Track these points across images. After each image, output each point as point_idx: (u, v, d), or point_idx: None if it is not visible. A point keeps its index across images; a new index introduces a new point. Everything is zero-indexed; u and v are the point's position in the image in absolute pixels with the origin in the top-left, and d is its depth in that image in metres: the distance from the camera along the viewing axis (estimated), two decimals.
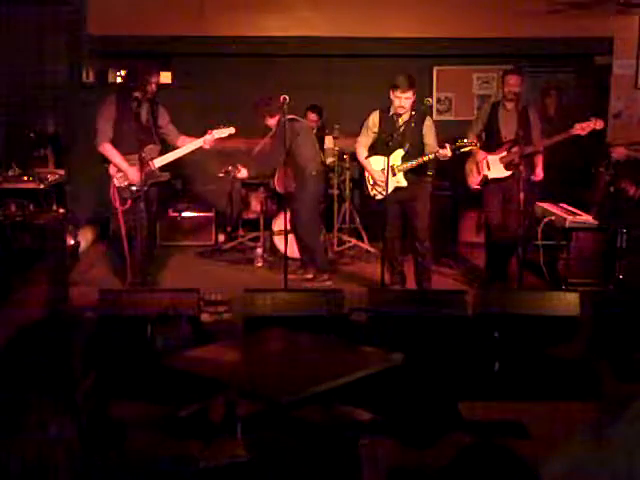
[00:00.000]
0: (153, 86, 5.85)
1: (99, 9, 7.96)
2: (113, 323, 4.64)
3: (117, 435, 2.87)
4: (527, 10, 8.04)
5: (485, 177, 6.33)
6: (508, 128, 6.26)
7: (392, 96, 5.83)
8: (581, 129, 5.89)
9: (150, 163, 5.86)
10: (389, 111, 5.90)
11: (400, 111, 5.83)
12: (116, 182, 5.88)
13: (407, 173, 5.89)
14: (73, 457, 1.83)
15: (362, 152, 6.08)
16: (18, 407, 1.83)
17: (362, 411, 3.81)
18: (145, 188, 5.82)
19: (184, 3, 8.03)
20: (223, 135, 6.01)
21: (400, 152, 5.86)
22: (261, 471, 3.21)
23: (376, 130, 5.96)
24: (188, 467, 3.23)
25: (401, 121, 5.91)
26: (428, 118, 5.96)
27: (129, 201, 5.90)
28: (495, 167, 6.29)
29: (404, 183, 5.89)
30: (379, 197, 5.97)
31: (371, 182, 6.03)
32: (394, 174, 5.87)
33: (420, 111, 6.02)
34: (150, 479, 3.08)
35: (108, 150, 5.87)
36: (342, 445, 3.35)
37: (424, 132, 5.87)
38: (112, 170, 5.88)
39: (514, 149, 6.14)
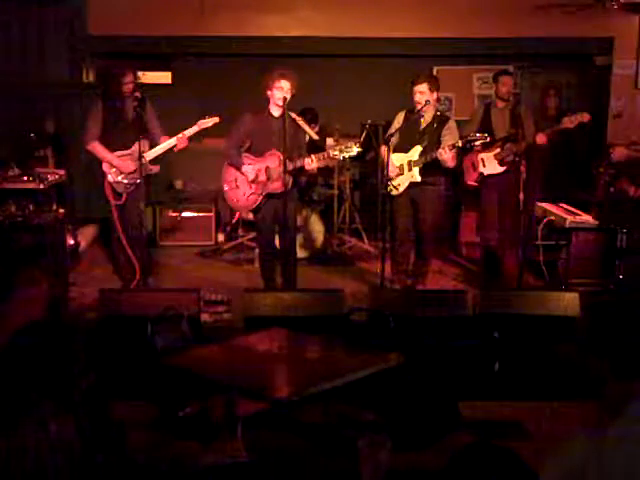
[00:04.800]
0: (130, 86, 5.92)
1: (99, 9, 7.97)
2: (113, 323, 4.64)
3: (117, 435, 2.87)
4: (527, 10, 8.05)
5: (481, 174, 6.41)
6: (500, 126, 6.41)
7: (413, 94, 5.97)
8: (570, 122, 5.98)
9: (144, 158, 5.91)
10: (414, 112, 5.97)
11: (417, 106, 5.89)
12: (110, 178, 5.98)
13: (421, 170, 5.94)
14: (73, 457, 1.83)
15: (384, 149, 6.11)
16: (18, 407, 1.83)
17: (362, 411, 3.81)
18: (139, 181, 5.87)
19: (184, 3, 8.04)
20: (208, 125, 6.05)
21: (418, 148, 5.96)
22: (261, 471, 3.21)
23: (398, 127, 6.01)
24: (188, 467, 3.23)
25: (423, 121, 6.02)
26: (451, 121, 6.07)
27: (124, 196, 5.97)
28: (490, 164, 6.39)
29: (418, 178, 5.95)
30: (394, 193, 6.02)
31: (390, 177, 6.03)
32: (410, 169, 5.97)
33: (444, 114, 6.22)
34: (150, 479, 3.08)
35: (96, 148, 5.99)
36: (342, 445, 3.34)
37: (443, 133, 5.96)
38: (105, 167, 5.97)
39: (507, 146, 6.24)
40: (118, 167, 5.94)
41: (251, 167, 5.81)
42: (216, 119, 6.04)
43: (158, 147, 6.04)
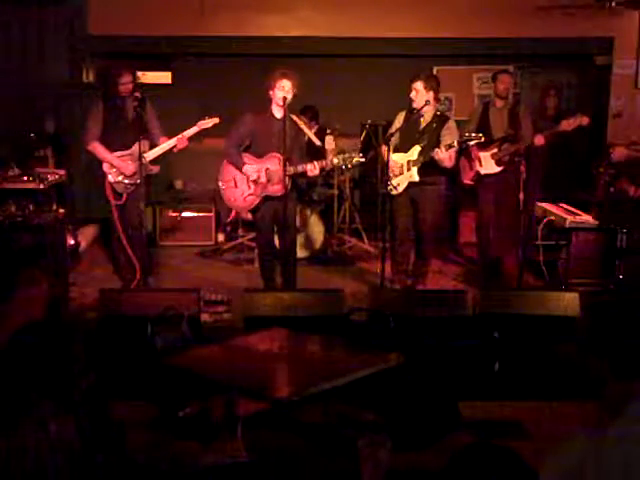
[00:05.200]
0: (128, 86, 5.92)
1: (99, 9, 7.96)
2: (113, 323, 4.64)
3: (117, 435, 2.87)
4: (527, 10, 8.05)
5: (477, 173, 6.44)
6: (498, 125, 6.45)
7: None
8: (567, 125, 6.00)
9: (145, 160, 5.89)
10: (414, 111, 5.97)
11: (412, 104, 5.90)
12: (110, 178, 5.99)
13: (421, 170, 5.94)
14: (73, 457, 1.83)
15: (384, 149, 6.10)
16: (18, 407, 1.83)
17: (362, 411, 3.81)
18: (139, 181, 5.87)
19: (184, 3, 8.03)
20: (207, 126, 6.04)
21: (417, 148, 5.96)
22: (261, 471, 3.21)
23: (398, 126, 6.02)
24: (188, 467, 3.23)
25: (423, 121, 6.02)
26: (451, 121, 6.08)
27: (124, 196, 5.98)
28: (487, 163, 6.44)
29: (417, 178, 5.95)
30: (394, 192, 6.03)
31: (389, 176, 6.04)
32: (409, 169, 5.97)
33: (444, 114, 6.22)
34: (150, 479, 3.08)
35: (96, 148, 6.00)
36: (342, 445, 3.35)
37: (443, 133, 5.95)
38: (105, 167, 5.98)
39: (504, 146, 6.26)
40: (118, 168, 5.95)
41: (253, 167, 5.80)
42: (216, 120, 6.04)
43: (158, 148, 6.04)
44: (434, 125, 5.98)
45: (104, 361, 4.13)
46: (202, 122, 6.03)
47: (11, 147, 7.29)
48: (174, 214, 8.11)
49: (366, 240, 7.76)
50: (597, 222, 6.30)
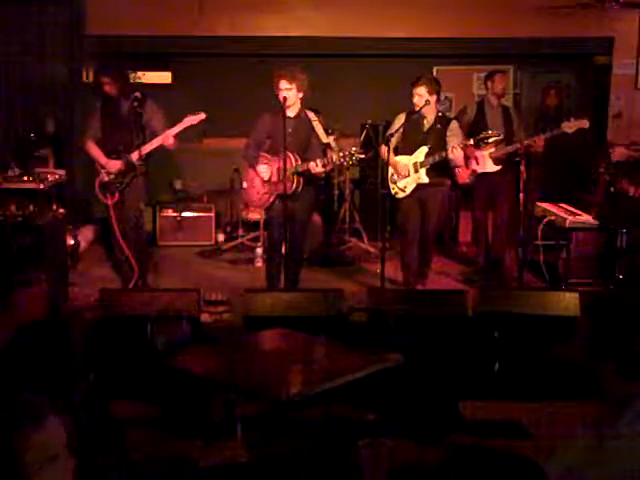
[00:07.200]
0: (111, 86, 5.90)
1: (99, 9, 7.96)
2: (113, 323, 4.64)
3: (117, 435, 2.87)
4: (527, 10, 8.05)
5: (474, 172, 6.46)
6: (495, 124, 6.46)
7: None
8: (568, 127, 6.00)
9: (129, 156, 5.87)
10: (415, 113, 5.97)
11: (416, 108, 5.90)
12: (102, 177, 5.96)
13: (428, 171, 5.94)
14: (73, 457, 1.83)
15: (384, 149, 6.09)
16: (17, 406, 1.83)
17: (362, 411, 3.81)
18: (127, 180, 5.88)
19: (184, 3, 8.03)
20: (194, 122, 5.95)
21: (424, 149, 5.95)
22: (261, 471, 3.21)
23: (398, 129, 5.98)
24: (188, 467, 3.23)
25: (426, 122, 6.02)
26: (454, 122, 6.08)
27: (117, 195, 5.96)
28: (484, 162, 6.46)
29: (426, 179, 5.95)
30: (400, 195, 6.02)
31: (394, 179, 6.03)
32: (416, 170, 5.96)
33: (447, 115, 6.24)
34: (150, 479, 3.08)
35: (91, 148, 6.02)
36: (342, 445, 3.35)
37: (448, 134, 5.96)
38: (98, 166, 5.97)
39: (501, 145, 6.28)
40: (105, 165, 5.93)
41: (266, 167, 5.82)
42: (202, 116, 5.94)
43: (147, 145, 5.95)
44: (438, 126, 5.99)
45: (104, 361, 4.14)
46: (188, 119, 5.95)
47: (11, 147, 7.29)
48: (174, 214, 8.11)
49: (366, 240, 7.76)
50: (597, 222, 6.30)
